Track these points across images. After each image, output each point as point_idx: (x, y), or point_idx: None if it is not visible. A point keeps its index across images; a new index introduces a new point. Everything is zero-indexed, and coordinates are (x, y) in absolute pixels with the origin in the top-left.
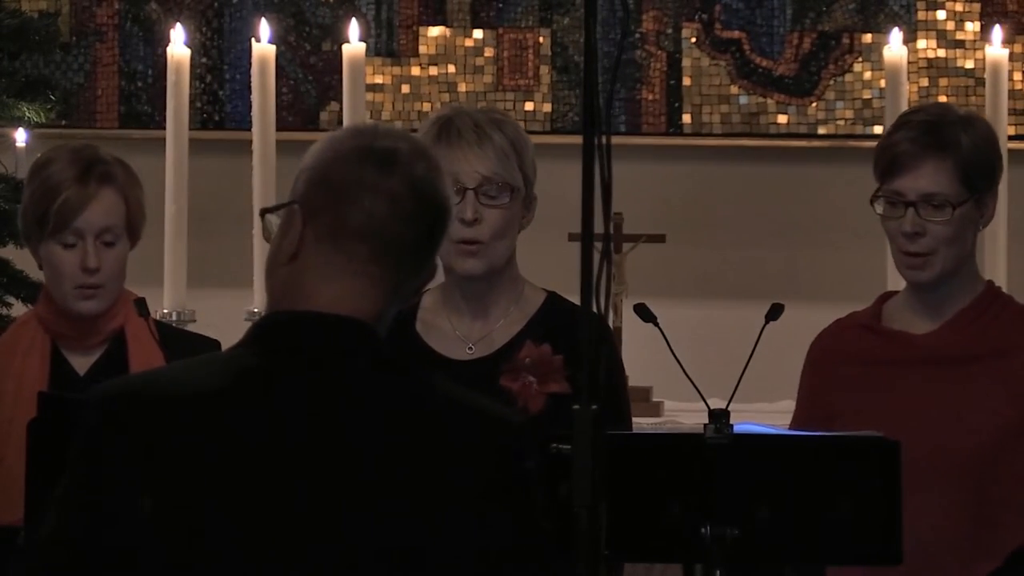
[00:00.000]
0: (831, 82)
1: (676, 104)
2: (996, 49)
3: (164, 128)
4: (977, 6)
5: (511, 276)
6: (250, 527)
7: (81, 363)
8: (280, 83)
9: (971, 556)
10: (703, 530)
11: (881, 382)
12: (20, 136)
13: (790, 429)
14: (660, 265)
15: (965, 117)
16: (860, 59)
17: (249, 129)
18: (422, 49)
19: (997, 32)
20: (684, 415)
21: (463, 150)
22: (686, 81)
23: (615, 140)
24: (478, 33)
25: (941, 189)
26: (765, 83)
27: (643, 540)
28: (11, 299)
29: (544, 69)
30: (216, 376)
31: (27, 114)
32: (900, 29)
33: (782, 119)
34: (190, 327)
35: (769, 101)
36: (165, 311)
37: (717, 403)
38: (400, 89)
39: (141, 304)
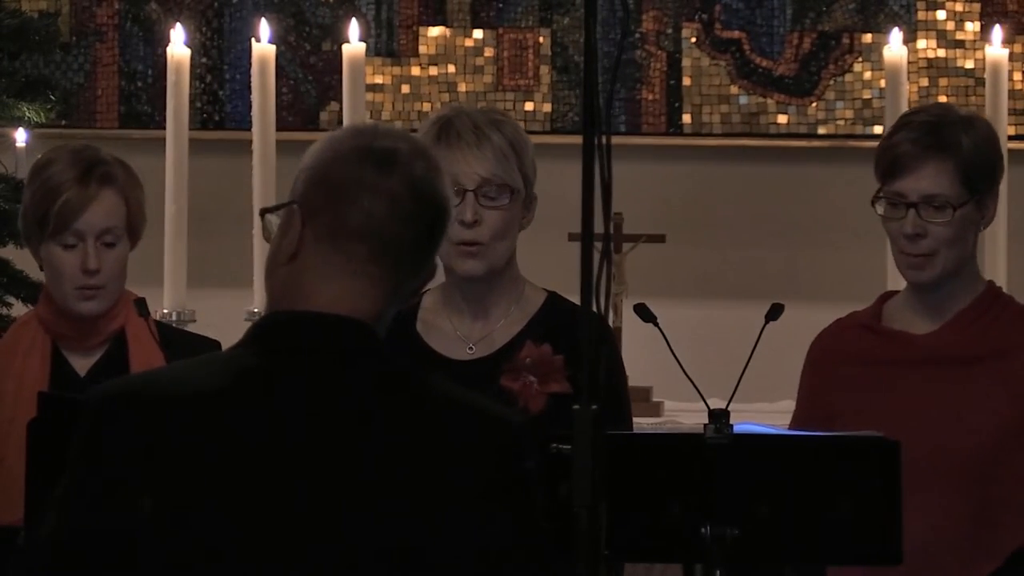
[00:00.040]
0: (831, 82)
1: (676, 104)
2: (996, 49)
3: (164, 128)
4: (977, 6)
5: (511, 276)
6: (250, 527)
7: (82, 364)
8: (280, 83)
9: (971, 556)
10: (703, 530)
11: (881, 382)
12: (20, 136)
13: (790, 429)
14: (660, 265)
15: (966, 118)
16: (860, 59)
17: (249, 129)
18: (422, 49)
19: (997, 32)
20: (684, 415)
21: (462, 152)
22: (686, 81)
23: (615, 140)
24: (478, 33)
25: (942, 190)
26: (765, 83)
27: (643, 540)
28: (11, 299)
29: (544, 69)
30: (216, 376)
31: (27, 114)
32: (900, 29)
33: (782, 119)
34: (190, 327)
35: (769, 101)
36: (165, 311)
37: (717, 403)
38: (400, 89)
39: (141, 304)
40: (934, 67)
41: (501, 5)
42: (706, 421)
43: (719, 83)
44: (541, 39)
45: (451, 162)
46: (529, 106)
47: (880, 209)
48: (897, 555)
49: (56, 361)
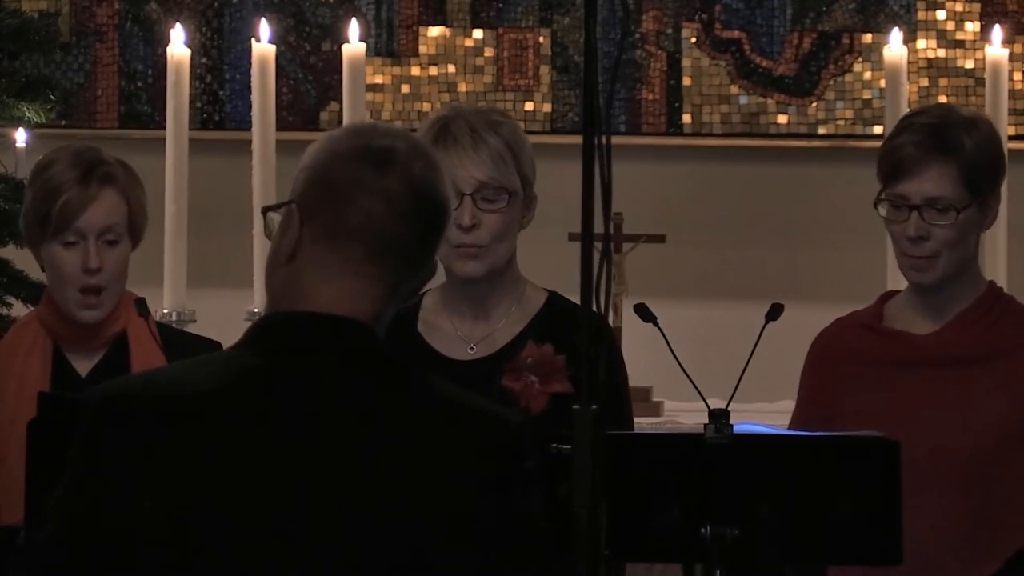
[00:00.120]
0: (831, 82)
1: (676, 104)
2: (996, 49)
3: (164, 128)
4: (977, 6)
5: (512, 277)
6: (250, 527)
7: (83, 365)
8: (280, 83)
9: (971, 556)
10: (703, 530)
11: (882, 382)
12: (20, 136)
13: (790, 429)
14: (660, 265)
15: (969, 119)
16: (860, 59)
17: (249, 129)
18: (422, 49)
19: (997, 32)
20: (684, 415)
21: (459, 155)
22: (686, 81)
23: (615, 140)
24: (478, 33)
25: (945, 193)
26: (765, 83)
27: (643, 540)
28: (11, 299)
29: (544, 69)
30: (216, 376)
31: (27, 114)
32: (900, 29)
33: (782, 119)
34: (190, 327)
35: (769, 101)
36: (165, 311)
37: (717, 403)
38: (400, 89)
39: (141, 304)
40: (934, 67)
41: (501, 5)
42: (706, 421)
43: (719, 83)
44: (541, 39)
45: (448, 166)
46: (529, 106)
47: (883, 211)
48: (897, 555)
49: (57, 362)
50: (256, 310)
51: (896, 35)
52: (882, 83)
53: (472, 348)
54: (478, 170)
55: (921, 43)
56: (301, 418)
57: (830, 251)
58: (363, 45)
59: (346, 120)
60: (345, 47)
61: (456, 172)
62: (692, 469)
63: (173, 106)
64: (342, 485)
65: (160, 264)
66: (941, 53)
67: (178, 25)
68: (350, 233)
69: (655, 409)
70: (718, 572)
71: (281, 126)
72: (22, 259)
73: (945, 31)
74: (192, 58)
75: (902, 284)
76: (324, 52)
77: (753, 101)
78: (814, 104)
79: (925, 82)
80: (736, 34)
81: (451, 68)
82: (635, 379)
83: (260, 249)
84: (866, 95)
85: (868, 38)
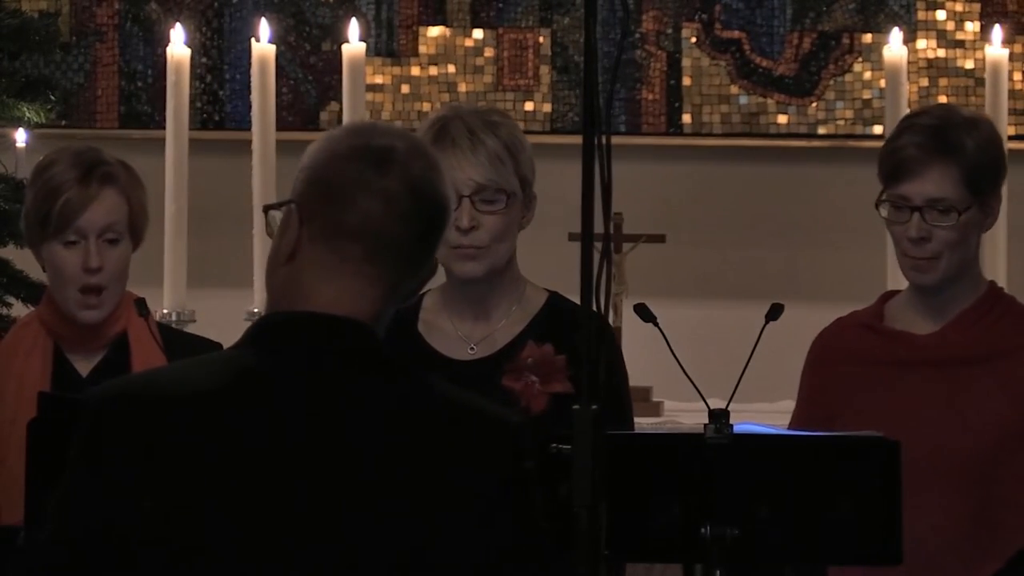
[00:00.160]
0: (831, 82)
1: (676, 104)
2: (996, 49)
3: (164, 128)
4: (977, 6)
5: (512, 277)
6: (250, 527)
7: (83, 365)
8: (280, 83)
9: (972, 556)
10: (703, 530)
11: (882, 382)
12: (20, 136)
13: (790, 429)
14: (660, 265)
15: (970, 119)
16: (860, 59)
17: (249, 129)
18: (422, 49)
19: (997, 32)
20: (684, 415)
21: (457, 157)
22: (686, 81)
23: (615, 140)
24: (478, 33)
25: (947, 194)
26: (765, 83)
27: (643, 540)
28: (11, 299)
29: (544, 69)
30: (215, 376)
31: (27, 114)
32: (900, 29)
33: (782, 119)
34: (190, 327)
35: (769, 101)
36: (165, 311)
37: (717, 403)
38: (400, 89)
39: (141, 304)
40: (934, 67)
41: (501, 5)
42: (706, 421)
43: (719, 83)
44: (541, 39)
45: (446, 168)
46: (529, 106)
47: (884, 212)
48: (897, 555)
49: (57, 362)
50: (256, 310)
51: (896, 35)
52: (882, 83)
53: (472, 348)
54: (476, 172)
55: (921, 43)
56: (301, 418)
57: (830, 251)
58: (363, 45)
59: (346, 120)
60: (345, 47)
61: (454, 174)
62: (692, 469)
63: (173, 106)
64: (342, 485)
65: (160, 264)
66: (941, 53)
67: (178, 25)
68: (349, 233)
69: (655, 409)
70: (718, 572)
71: (281, 126)
72: (22, 259)
73: (945, 31)
74: (192, 58)
75: (902, 284)
76: (324, 52)
77: (753, 101)
78: (814, 104)
79: (925, 82)
80: (736, 34)
81: (451, 68)
82: (635, 379)
83: (260, 249)
84: (866, 95)
85: (868, 38)
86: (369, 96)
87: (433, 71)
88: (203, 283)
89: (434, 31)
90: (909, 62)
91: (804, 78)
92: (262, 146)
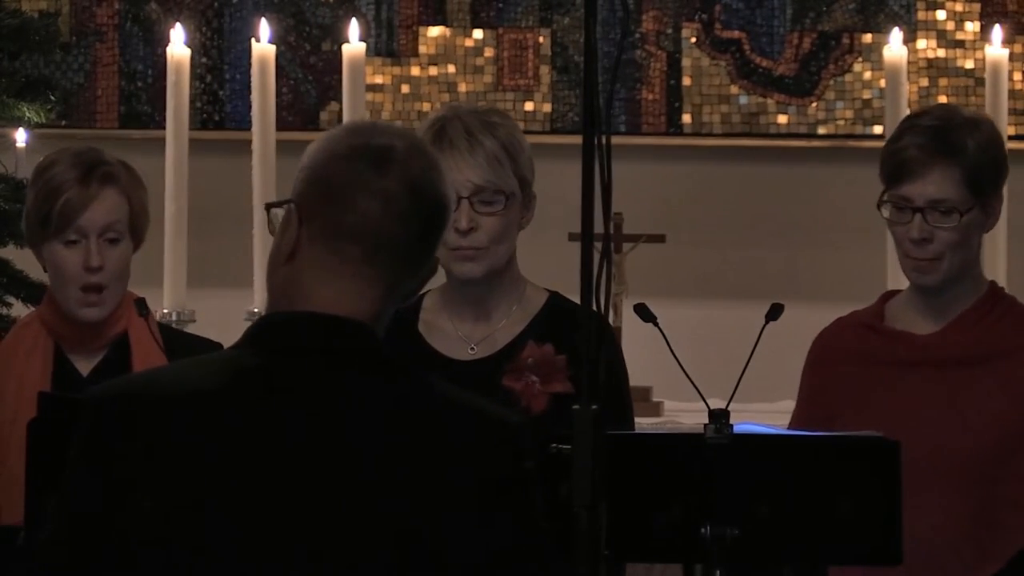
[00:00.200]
0: (831, 82)
1: (676, 104)
2: (996, 49)
3: (164, 128)
4: (977, 6)
5: (512, 277)
6: (250, 527)
7: (84, 365)
8: (280, 83)
9: (972, 556)
10: (703, 530)
11: (882, 382)
12: (20, 136)
13: (790, 429)
14: (660, 265)
15: (971, 120)
16: (860, 59)
17: (249, 129)
18: (422, 49)
19: (997, 32)
20: (684, 415)
21: (455, 159)
22: (686, 81)
23: (615, 140)
24: (478, 33)
25: (948, 196)
26: (765, 83)
27: (643, 540)
28: (11, 299)
29: (544, 69)
30: (215, 376)
31: (27, 114)
32: (900, 29)
33: (782, 119)
34: (190, 327)
35: (769, 101)
36: (165, 311)
37: (717, 403)
38: (400, 89)
39: (141, 304)
40: (934, 67)
41: (501, 5)
42: (706, 421)
43: (719, 83)
44: (541, 39)
45: (445, 169)
46: (529, 106)
47: (886, 213)
48: (897, 555)
49: (58, 362)
50: (256, 310)
51: (896, 35)
52: (882, 83)
53: (473, 348)
54: (474, 173)
55: (921, 43)
56: (301, 418)
57: (830, 251)
58: (363, 45)
59: (346, 120)
60: (345, 47)
61: (452, 176)
62: (692, 469)
63: (173, 106)
64: (342, 485)
65: (160, 264)
66: (941, 53)
67: (178, 25)
68: (348, 234)
69: (655, 409)
70: (718, 572)
71: (281, 126)
72: (22, 259)
73: (945, 31)
74: (192, 58)
75: (902, 284)
76: (324, 52)
77: (753, 101)
78: (814, 104)
79: (925, 82)
80: (736, 34)
81: (451, 68)
82: (635, 379)
83: (260, 249)
84: (866, 95)
85: (868, 38)
86: (369, 96)
87: (433, 71)
88: (203, 283)
89: (434, 31)
90: (909, 62)
91: (804, 78)
92: (262, 146)
